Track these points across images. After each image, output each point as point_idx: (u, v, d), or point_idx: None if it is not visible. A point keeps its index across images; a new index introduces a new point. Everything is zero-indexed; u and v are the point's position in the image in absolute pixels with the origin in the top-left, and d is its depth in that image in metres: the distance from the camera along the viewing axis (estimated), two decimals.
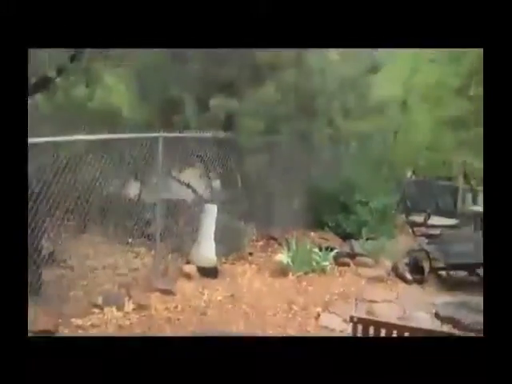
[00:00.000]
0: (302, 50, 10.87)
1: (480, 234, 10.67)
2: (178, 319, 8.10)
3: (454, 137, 16.26)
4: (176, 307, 8.51)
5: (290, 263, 10.42)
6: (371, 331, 4.55)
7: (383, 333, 4.52)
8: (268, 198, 12.63)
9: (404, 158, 17.00)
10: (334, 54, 11.98)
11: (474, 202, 19.29)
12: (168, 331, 7.63)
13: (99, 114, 10.92)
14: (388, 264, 11.25)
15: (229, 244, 10.81)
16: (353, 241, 12.13)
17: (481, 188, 20.48)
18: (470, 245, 10.62)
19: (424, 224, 13.57)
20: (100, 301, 8.22)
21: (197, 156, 11.30)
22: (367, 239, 12.27)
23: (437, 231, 12.80)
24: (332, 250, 11.15)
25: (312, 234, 12.45)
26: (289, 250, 10.83)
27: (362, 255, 11.48)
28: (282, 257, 10.62)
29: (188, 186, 11.73)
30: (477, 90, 16.00)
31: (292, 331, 7.94)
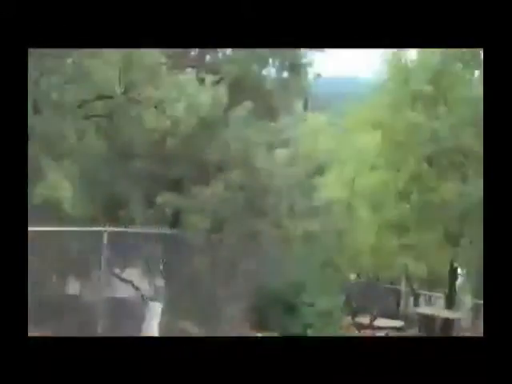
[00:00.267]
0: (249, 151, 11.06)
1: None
2: None
3: (397, 240, 16.54)
4: None
5: None
6: None
7: None
8: (213, 297, 12.35)
9: (348, 259, 17.12)
10: (282, 154, 12.18)
11: (416, 304, 19.48)
12: None
13: (40, 208, 10.57)
14: None
15: None
16: None
17: (423, 291, 20.80)
18: None
19: (370, 326, 13.51)
20: None
21: (141, 252, 11.06)
22: None
23: (382, 333, 12.74)
24: None
25: (258, 334, 12.13)
26: None
27: None
28: None
29: (130, 283, 11.37)
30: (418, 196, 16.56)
31: None
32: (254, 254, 12.85)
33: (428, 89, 15.54)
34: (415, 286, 20.37)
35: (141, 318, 10.08)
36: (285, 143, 12.83)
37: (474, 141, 14.04)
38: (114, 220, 9.99)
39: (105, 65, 8.28)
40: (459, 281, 18.40)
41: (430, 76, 15.58)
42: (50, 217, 9.69)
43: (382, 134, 16.51)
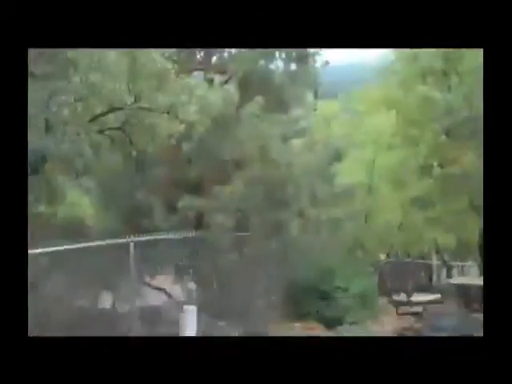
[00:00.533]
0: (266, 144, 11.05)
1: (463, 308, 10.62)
2: None
3: (423, 214, 16.48)
4: None
5: None
6: None
7: None
8: (246, 294, 12.37)
9: (376, 240, 17.09)
10: (298, 144, 12.17)
11: (449, 276, 19.40)
12: None
13: (63, 227, 10.59)
14: None
15: None
16: (338, 328, 11.89)
17: (454, 262, 20.73)
18: (454, 319, 10.52)
19: (408, 302, 13.48)
20: None
21: (169, 259, 11.09)
22: (351, 324, 12.05)
23: (419, 308, 12.72)
24: None
25: (296, 325, 12.19)
26: None
27: None
28: None
29: (163, 290, 11.41)
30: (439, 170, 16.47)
31: None
32: (282, 246, 12.84)
33: (438, 63, 15.42)
34: (446, 258, 20.31)
35: (176, 324, 10.10)
36: (299, 133, 12.82)
37: None
38: (139, 229, 10.01)
39: (111, 77, 8.28)
40: None
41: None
42: (75, 234, 9.76)
43: (396, 112, 16.44)
